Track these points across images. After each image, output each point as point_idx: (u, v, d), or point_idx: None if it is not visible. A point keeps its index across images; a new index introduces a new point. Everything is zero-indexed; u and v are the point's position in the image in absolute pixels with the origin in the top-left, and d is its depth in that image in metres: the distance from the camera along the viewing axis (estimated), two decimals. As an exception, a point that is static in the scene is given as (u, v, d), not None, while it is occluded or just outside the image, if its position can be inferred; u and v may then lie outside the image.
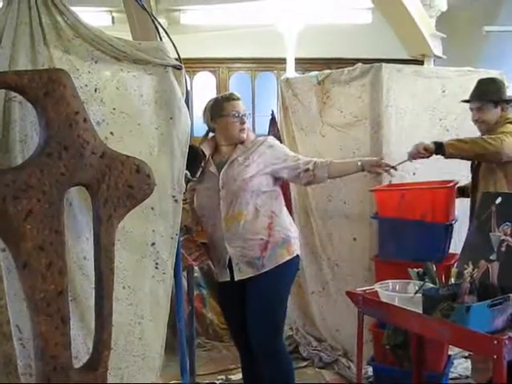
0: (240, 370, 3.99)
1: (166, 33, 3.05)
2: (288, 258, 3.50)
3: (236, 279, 3.48)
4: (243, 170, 3.45)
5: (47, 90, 2.33)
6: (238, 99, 3.57)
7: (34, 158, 2.34)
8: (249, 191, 3.44)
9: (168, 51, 2.84)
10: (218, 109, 3.56)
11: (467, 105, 4.06)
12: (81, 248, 2.65)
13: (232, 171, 3.47)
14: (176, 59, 2.90)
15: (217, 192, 3.48)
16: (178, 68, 2.86)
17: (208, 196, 3.53)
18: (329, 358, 4.71)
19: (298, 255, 3.60)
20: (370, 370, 4.18)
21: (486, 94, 3.94)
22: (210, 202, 3.52)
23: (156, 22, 3.04)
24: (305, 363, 4.73)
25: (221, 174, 3.50)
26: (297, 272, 3.74)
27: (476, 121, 4.00)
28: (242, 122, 3.52)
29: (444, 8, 5.61)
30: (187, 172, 3.14)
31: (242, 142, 3.55)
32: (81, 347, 2.66)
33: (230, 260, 3.49)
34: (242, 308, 3.51)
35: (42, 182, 2.31)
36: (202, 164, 3.50)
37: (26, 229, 2.28)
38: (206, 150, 3.56)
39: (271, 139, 3.67)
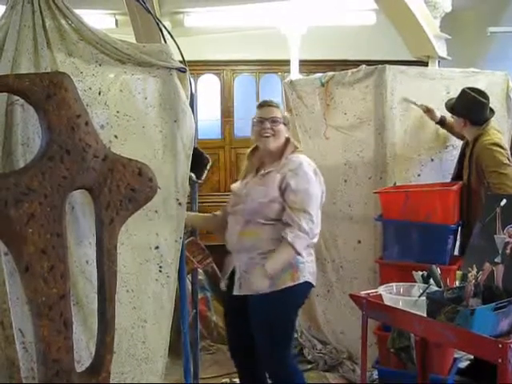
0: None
1: (171, 35, 3.05)
2: (290, 284, 3.30)
3: (234, 293, 3.38)
4: (262, 190, 3.35)
5: (49, 94, 2.33)
6: (268, 105, 3.47)
7: (36, 162, 2.34)
8: (263, 215, 3.32)
9: (172, 54, 2.83)
10: (253, 117, 3.51)
11: None
12: (83, 252, 2.65)
13: (254, 188, 3.40)
14: (180, 62, 2.89)
15: (241, 203, 3.43)
16: (182, 70, 2.85)
17: (233, 204, 3.49)
18: (333, 361, 4.70)
19: (306, 282, 3.37)
20: (375, 373, 4.16)
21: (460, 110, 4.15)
22: (234, 210, 3.47)
23: (160, 25, 3.04)
24: (309, 366, 4.71)
25: (246, 186, 3.47)
26: (304, 300, 3.52)
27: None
28: (264, 126, 3.40)
29: (448, 9, 5.58)
30: (192, 175, 3.14)
31: (275, 154, 3.43)
32: (83, 351, 2.66)
33: (233, 271, 3.42)
34: (244, 319, 3.38)
35: (44, 186, 2.31)
36: (208, 167, 3.45)
37: (27, 232, 2.28)
38: (252, 163, 3.56)
39: (302, 166, 3.38)
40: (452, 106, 4.16)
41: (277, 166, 3.39)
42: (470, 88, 4.12)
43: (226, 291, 3.49)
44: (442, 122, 4.40)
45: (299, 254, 3.28)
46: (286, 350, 3.41)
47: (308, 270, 3.38)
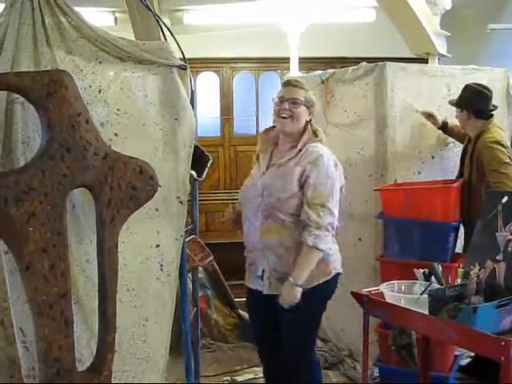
0: (245, 371, 3.97)
1: (171, 33, 3.03)
2: (324, 279, 3.21)
3: (264, 293, 3.24)
4: (280, 185, 3.17)
5: (49, 92, 2.32)
6: (293, 85, 3.26)
7: (36, 160, 2.33)
8: (283, 210, 3.16)
9: (173, 51, 2.82)
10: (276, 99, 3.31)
11: None
12: (84, 250, 2.64)
13: (272, 180, 3.21)
14: (181, 59, 2.88)
15: (257, 196, 3.23)
16: (182, 68, 2.84)
17: (248, 196, 3.31)
18: (334, 358, 4.70)
19: (338, 273, 3.29)
20: (376, 370, 4.16)
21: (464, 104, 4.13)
22: (248, 203, 3.29)
23: (161, 22, 3.03)
24: (310, 364, 4.70)
25: (263, 177, 3.27)
26: (335, 289, 3.37)
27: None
28: (283, 107, 3.20)
29: (448, 6, 5.58)
30: (193, 173, 3.13)
31: (292, 138, 3.24)
32: (84, 350, 2.64)
33: (263, 270, 3.24)
34: (272, 317, 3.26)
35: (45, 184, 2.30)
36: (208, 165, 3.36)
37: (28, 231, 2.27)
38: (264, 141, 3.37)
39: (322, 158, 3.19)
40: (456, 100, 4.15)
41: (294, 154, 3.21)
42: (473, 83, 4.13)
43: (249, 288, 3.34)
44: (443, 127, 4.39)
45: (324, 250, 3.15)
46: (314, 343, 3.41)
47: (337, 261, 3.30)
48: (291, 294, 3.09)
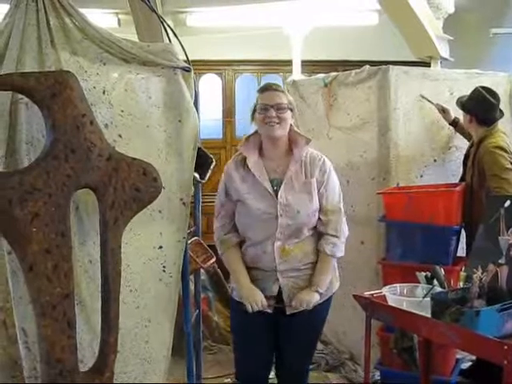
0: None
1: (175, 34, 3.04)
2: (338, 286, 3.23)
3: (288, 313, 3.06)
4: (307, 199, 3.03)
5: (54, 92, 2.32)
6: (273, 89, 3.05)
7: (41, 161, 2.34)
8: (311, 225, 3.06)
9: (177, 53, 2.83)
10: (254, 103, 3.11)
11: None
12: (87, 251, 2.64)
13: (293, 197, 3.01)
14: (185, 61, 2.89)
15: (274, 218, 3.00)
16: (186, 70, 2.85)
17: (262, 220, 3.02)
18: (335, 361, 4.70)
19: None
20: (377, 373, 4.16)
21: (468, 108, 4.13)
22: (263, 226, 3.03)
23: (165, 24, 3.03)
24: (311, 366, 4.69)
25: (279, 196, 3.01)
26: None
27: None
28: (269, 114, 3.00)
29: (451, 10, 5.58)
30: (196, 175, 3.13)
31: (281, 144, 3.08)
32: (87, 351, 2.65)
33: (279, 291, 3.07)
34: (274, 338, 3.16)
35: (49, 185, 2.30)
36: (212, 167, 3.31)
37: (32, 231, 2.27)
38: (249, 153, 3.08)
39: (327, 163, 3.13)
40: (462, 102, 4.16)
41: (300, 164, 3.06)
42: (482, 87, 4.12)
43: (252, 312, 3.04)
44: (455, 124, 4.40)
45: (339, 258, 3.15)
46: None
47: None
48: (310, 296, 3.04)
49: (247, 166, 3.08)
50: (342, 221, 3.12)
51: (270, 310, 3.07)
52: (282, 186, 3.04)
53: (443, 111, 4.40)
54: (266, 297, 3.05)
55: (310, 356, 3.33)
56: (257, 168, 3.07)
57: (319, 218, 3.07)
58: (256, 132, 3.14)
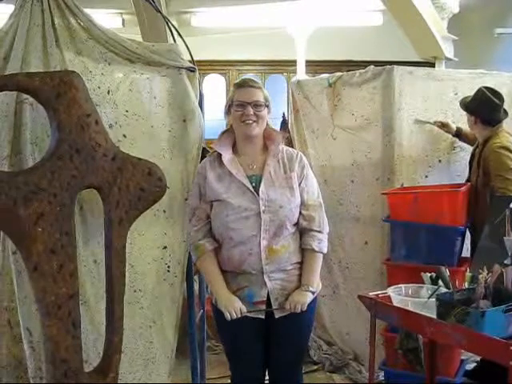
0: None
1: (180, 35, 3.03)
2: (321, 285, 3.12)
3: (276, 317, 2.96)
4: (289, 193, 2.95)
5: (59, 92, 2.32)
6: (250, 86, 2.95)
7: (46, 161, 2.34)
8: (293, 220, 2.96)
9: (182, 53, 2.83)
10: (230, 98, 3.01)
11: None
12: (91, 251, 2.64)
13: (275, 192, 2.92)
14: (189, 61, 2.89)
15: (256, 215, 2.89)
16: (191, 70, 2.85)
17: (244, 218, 2.89)
18: (339, 361, 4.67)
19: None
20: (381, 374, 4.14)
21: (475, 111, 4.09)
22: (245, 223, 2.89)
23: (170, 25, 3.03)
24: (315, 367, 4.69)
25: (260, 192, 2.91)
26: None
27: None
28: (246, 112, 2.90)
29: (456, 10, 5.58)
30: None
31: (257, 141, 2.98)
32: (91, 351, 2.65)
33: (267, 295, 2.95)
34: (264, 345, 3.06)
35: (53, 185, 2.30)
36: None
37: (37, 231, 2.27)
38: (223, 151, 2.98)
39: (304, 158, 3.07)
40: (465, 104, 4.15)
41: (277, 159, 3.00)
42: (486, 87, 4.11)
43: (237, 317, 2.92)
44: (458, 134, 4.38)
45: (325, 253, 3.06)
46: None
47: None
48: (304, 297, 2.97)
49: (223, 164, 2.96)
50: (324, 216, 3.05)
51: (262, 316, 2.97)
52: (262, 182, 2.93)
53: (443, 125, 4.38)
54: (256, 302, 2.95)
55: (301, 356, 3.25)
56: (233, 165, 2.96)
57: (301, 213, 2.99)
58: (229, 129, 3.06)
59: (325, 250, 3.04)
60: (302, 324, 3.08)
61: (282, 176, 2.98)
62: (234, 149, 3.03)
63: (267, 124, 3.02)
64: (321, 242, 3.01)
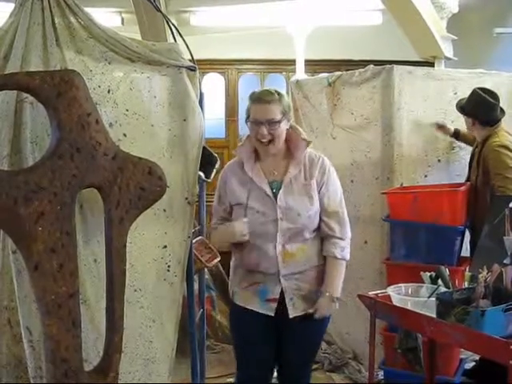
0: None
1: (180, 34, 3.03)
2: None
3: (291, 316, 2.97)
4: (307, 201, 2.95)
5: (59, 91, 2.32)
6: (265, 102, 2.91)
7: (46, 160, 2.33)
8: (312, 227, 2.98)
9: (182, 52, 2.82)
10: (247, 110, 3.03)
11: None
12: (91, 250, 2.64)
13: (293, 200, 2.94)
14: (190, 60, 2.88)
15: (274, 221, 2.93)
16: (192, 69, 2.84)
17: (261, 223, 2.94)
18: (339, 361, 4.69)
19: None
20: (381, 373, 4.15)
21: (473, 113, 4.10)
22: (262, 229, 2.94)
23: (170, 24, 3.03)
24: (315, 366, 4.68)
25: (278, 199, 2.93)
26: None
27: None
28: (260, 131, 2.91)
29: (455, 10, 5.58)
30: (201, 174, 3.12)
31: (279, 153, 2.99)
32: (91, 350, 2.64)
33: (281, 294, 2.98)
34: (276, 343, 3.09)
35: (54, 184, 2.30)
36: (217, 166, 3.29)
37: (37, 231, 2.27)
38: (244, 157, 3.01)
39: (327, 163, 3.05)
40: (462, 106, 4.15)
41: (300, 165, 2.99)
42: (480, 88, 4.11)
43: (248, 313, 3.03)
44: (456, 135, 4.39)
45: (348, 260, 3.06)
46: None
47: None
48: (331, 306, 2.98)
49: (245, 170, 3.02)
50: (345, 222, 3.04)
51: (271, 313, 3.00)
52: (282, 189, 2.96)
53: (441, 127, 4.38)
54: (269, 299, 2.99)
55: (312, 358, 3.28)
56: (254, 172, 3.00)
57: (322, 220, 3.00)
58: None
59: (347, 257, 3.04)
60: (321, 326, 3.10)
61: (302, 183, 3.00)
62: (257, 154, 3.06)
63: (291, 127, 3.03)
64: (343, 250, 3.01)
